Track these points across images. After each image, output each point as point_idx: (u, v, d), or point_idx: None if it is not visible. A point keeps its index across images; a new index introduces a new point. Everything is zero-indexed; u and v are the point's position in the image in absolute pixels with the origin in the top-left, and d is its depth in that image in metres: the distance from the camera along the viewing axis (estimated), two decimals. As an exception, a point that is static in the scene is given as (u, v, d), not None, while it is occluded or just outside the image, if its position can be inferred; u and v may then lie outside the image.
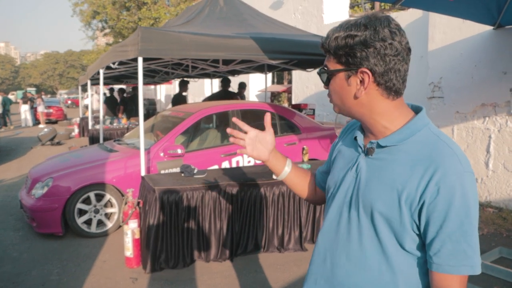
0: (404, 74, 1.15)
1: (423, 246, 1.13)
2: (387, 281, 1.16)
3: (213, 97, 8.73)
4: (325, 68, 1.21)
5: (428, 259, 1.11)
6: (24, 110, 21.03)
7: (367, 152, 1.20)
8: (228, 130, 1.52)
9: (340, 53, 1.14)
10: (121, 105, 12.68)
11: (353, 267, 1.20)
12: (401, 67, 1.13)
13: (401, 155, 1.14)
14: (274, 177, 1.56)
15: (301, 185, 1.60)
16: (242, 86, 9.40)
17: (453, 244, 1.06)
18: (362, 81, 1.14)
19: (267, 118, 1.53)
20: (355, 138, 1.28)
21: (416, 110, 1.23)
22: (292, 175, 1.56)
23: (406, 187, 1.09)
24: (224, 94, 8.53)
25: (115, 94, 13.74)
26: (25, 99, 21.33)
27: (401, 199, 1.09)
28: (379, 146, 1.18)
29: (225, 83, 8.72)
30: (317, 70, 1.18)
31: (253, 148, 1.53)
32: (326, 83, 1.23)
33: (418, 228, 1.11)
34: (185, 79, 10.01)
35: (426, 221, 1.08)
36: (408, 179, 1.09)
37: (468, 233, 1.05)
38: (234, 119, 1.52)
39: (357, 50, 1.10)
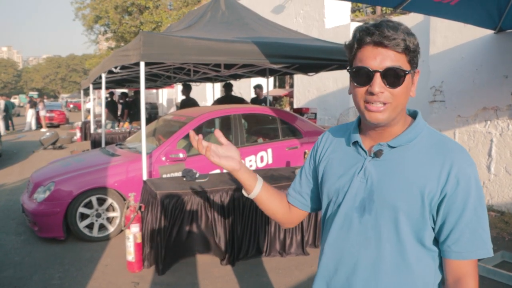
0: None
1: (435, 239, 1.19)
2: (406, 280, 1.19)
3: (218, 102, 8.74)
4: (403, 68, 1.14)
5: (445, 249, 1.17)
6: (31, 114, 21.19)
7: (376, 154, 1.22)
8: (191, 133, 1.33)
9: (414, 53, 1.17)
10: (125, 108, 12.72)
11: (371, 273, 1.20)
12: None
13: (412, 154, 1.19)
14: (244, 194, 1.45)
15: (274, 204, 1.47)
16: (259, 87, 9.26)
17: (471, 231, 1.14)
18: (413, 81, 1.21)
19: (218, 134, 1.36)
20: (354, 143, 1.28)
21: (409, 112, 1.30)
22: (265, 192, 1.43)
23: (427, 183, 1.14)
24: (228, 99, 8.50)
25: (115, 98, 13.78)
26: (31, 103, 21.46)
27: (424, 195, 1.14)
28: (389, 147, 1.21)
29: (228, 87, 8.72)
30: (393, 65, 1.11)
31: (219, 156, 1.33)
32: (399, 83, 1.14)
33: (434, 222, 1.17)
34: (188, 83, 9.97)
35: (446, 212, 1.14)
36: (427, 175, 1.15)
37: (482, 218, 1.15)
38: (217, 133, 1.36)
39: (419, 51, 1.18)
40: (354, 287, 1.23)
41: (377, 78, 1.13)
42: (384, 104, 1.14)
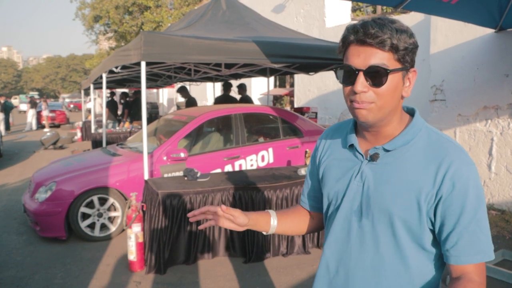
0: None
1: (436, 241, 1.16)
2: (405, 283, 1.17)
3: (216, 102, 8.80)
4: (385, 66, 1.11)
5: (444, 253, 1.14)
6: (32, 114, 21.22)
7: (372, 158, 1.20)
8: (190, 215, 1.37)
9: (405, 52, 1.12)
10: (126, 108, 12.73)
11: (370, 275, 1.20)
12: None
13: (409, 157, 1.16)
14: (264, 233, 1.46)
15: (295, 226, 1.49)
16: (242, 87, 9.42)
17: (470, 234, 1.10)
18: (409, 81, 1.17)
19: (222, 210, 1.35)
20: (350, 146, 1.27)
21: (408, 111, 1.25)
22: (282, 225, 1.44)
23: (423, 186, 1.12)
24: (225, 98, 8.58)
25: (115, 97, 13.79)
26: (32, 103, 21.49)
27: (420, 199, 1.12)
28: (385, 150, 1.18)
29: (226, 87, 8.76)
30: (377, 64, 1.08)
31: (224, 220, 1.35)
32: (382, 83, 1.11)
33: (433, 224, 1.14)
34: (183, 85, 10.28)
35: (443, 215, 1.11)
36: (422, 179, 1.12)
37: (481, 221, 1.11)
38: (224, 208, 1.34)
39: (416, 50, 1.14)
40: None
41: (360, 76, 1.10)
42: (370, 103, 1.12)
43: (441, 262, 1.19)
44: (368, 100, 1.11)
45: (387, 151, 1.18)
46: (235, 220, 1.34)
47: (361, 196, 1.21)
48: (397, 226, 1.15)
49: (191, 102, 9.46)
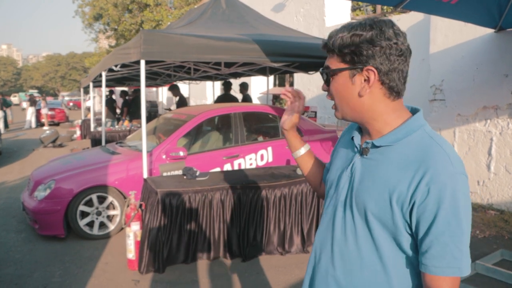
0: (405, 75, 1.18)
1: (417, 245, 1.13)
2: (381, 281, 1.17)
3: (216, 101, 8.81)
4: (328, 68, 1.22)
5: (419, 259, 1.12)
6: (31, 112, 21.20)
7: (362, 152, 1.22)
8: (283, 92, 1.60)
9: (345, 52, 1.15)
10: (125, 107, 12.72)
11: (348, 267, 1.21)
12: (403, 67, 1.16)
13: (394, 156, 1.15)
14: (292, 154, 1.61)
15: (312, 172, 1.62)
16: (244, 86, 9.44)
17: (441, 245, 1.05)
18: (367, 80, 1.15)
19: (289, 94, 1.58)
20: (352, 138, 1.30)
21: (414, 112, 1.24)
22: (306, 158, 1.60)
23: (397, 187, 1.10)
24: (226, 97, 8.58)
25: (114, 96, 13.79)
26: (32, 101, 21.46)
27: (392, 199, 1.10)
28: (374, 146, 1.20)
29: (227, 86, 8.75)
30: (319, 70, 1.25)
31: (290, 113, 1.57)
32: (327, 83, 1.24)
33: (410, 228, 1.11)
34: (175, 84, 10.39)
35: (417, 221, 1.08)
36: (399, 180, 1.10)
37: (456, 235, 1.05)
38: (287, 90, 1.59)
39: (364, 48, 1.12)
40: (332, 278, 1.25)
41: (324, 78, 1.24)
42: (333, 101, 1.24)
43: None
44: (330, 98, 1.25)
45: (376, 146, 1.19)
46: (294, 110, 1.54)
47: (347, 187, 1.23)
48: (371, 221, 1.15)
49: (182, 101, 9.56)
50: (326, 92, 1.27)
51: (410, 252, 1.14)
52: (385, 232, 1.14)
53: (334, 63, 1.19)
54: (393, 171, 1.13)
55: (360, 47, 1.12)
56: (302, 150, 1.60)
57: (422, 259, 1.09)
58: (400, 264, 1.16)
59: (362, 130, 1.28)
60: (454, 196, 1.04)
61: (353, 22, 1.17)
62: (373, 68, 1.13)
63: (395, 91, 1.17)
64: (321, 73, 1.24)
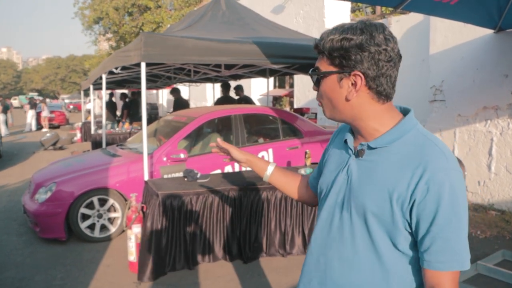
0: (394, 80, 1.18)
1: (416, 244, 1.15)
2: (380, 281, 1.18)
3: (216, 103, 8.81)
4: (317, 70, 1.23)
5: (420, 256, 1.14)
6: (31, 115, 21.22)
7: (358, 154, 1.23)
8: (214, 150, 1.74)
9: (334, 55, 1.16)
10: (125, 109, 12.73)
11: (346, 268, 1.22)
12: (392, 73, 1.17)
13: (391, 156, 1.16)
14: (264, 179, 1.63)
15: (290, 185, 1.64)
16: (239, 88, 9.43)
17: (443, 240, 1.08)
18: (354, 84, 1.16)
19: (218, 143, 1.72)
20: (345, 141, 1.30)
21: (404, 112, 1.25)
22: (277, 174, 1.64)
23: (396, 187, 1.12)
24: (225, 99, 8.57)
25: (113, 98, 13.79)
26: (32, 104, 21.49)
27: (393, 199, 1.12)
28: (369, 148, 1.20)
29: (226, 88, 8.75)
30: (309, 71, 1.22)
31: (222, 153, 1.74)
32: (317, 84, 1.25)
33: (410, 227, 1.13)
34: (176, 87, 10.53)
35: (417, 219, 1.10)
36: (398, 179, 1.12)
37: (457, 229, 1.08)
38: (219, 141, 1.71)
39: (352, 53, 1.13)
40: (330, 279, 1.26)
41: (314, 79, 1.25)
42: (321, 101, 1.27)
43: (420, 266, 1.18)
44: (318, 99, 1.27)
45: (371, 148, 1.20)
46: (231, 154, 1.67)
47: (345, 189, 1.24)
48: (370, 222, 1.16)
49: (180, 102, 9.71)
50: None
51: (408, 251, 1.16)
52: (383, 232, 1.15)
53: (323, 65, 1.21)
54: (391, 171, 1.14)
55: (349, 52, 1.13)
56: (270, 168, 1.64)
57: (425, 256, 1.11)
58: (398, 263, 1.17)
59: (354, 132, 1.29)
60: (453, 192, 1.07)
61: (345, 24, 1.17)
62: (360, 73, 1.14)
63: (383, 95, 1.18)
64: (311, 74, 1.25)
